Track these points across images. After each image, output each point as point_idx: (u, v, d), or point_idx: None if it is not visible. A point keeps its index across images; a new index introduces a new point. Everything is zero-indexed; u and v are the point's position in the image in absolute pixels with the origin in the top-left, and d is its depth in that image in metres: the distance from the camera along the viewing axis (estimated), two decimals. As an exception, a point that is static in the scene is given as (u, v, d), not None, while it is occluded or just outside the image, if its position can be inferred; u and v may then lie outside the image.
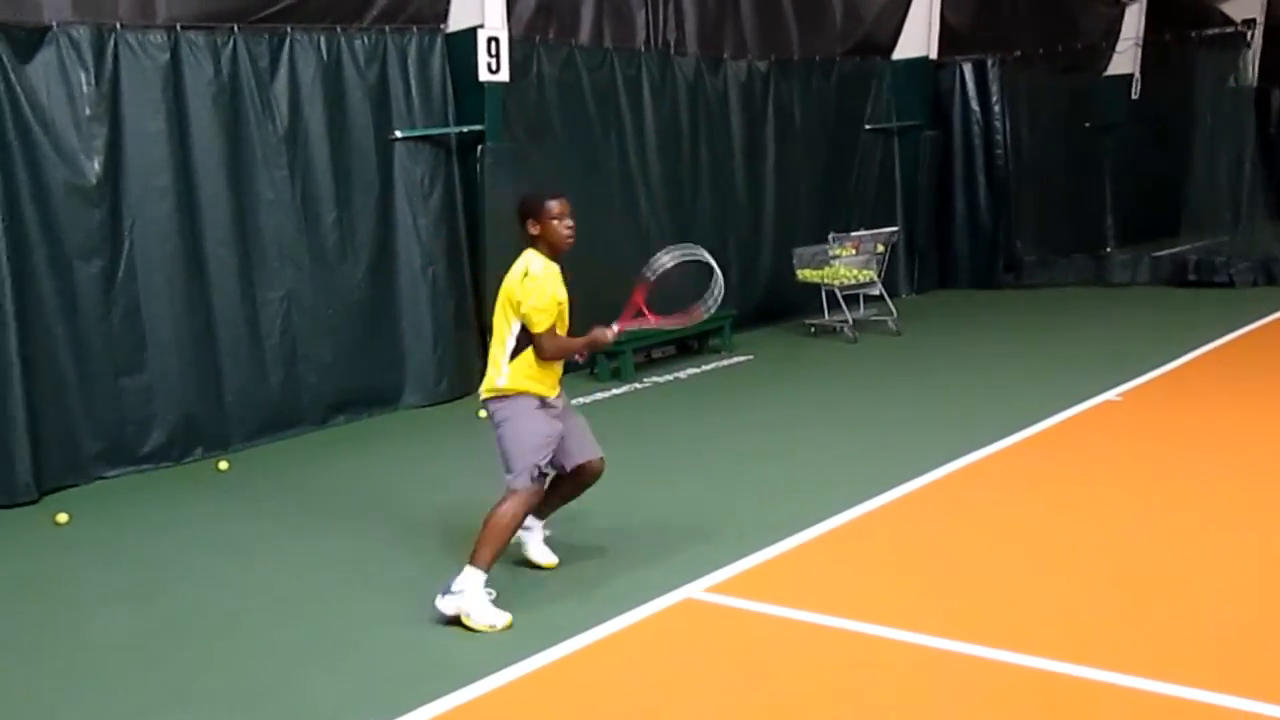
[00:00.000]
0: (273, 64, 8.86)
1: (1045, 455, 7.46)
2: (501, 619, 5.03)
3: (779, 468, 7.39)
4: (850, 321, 12.27)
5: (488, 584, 5.10)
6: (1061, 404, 8.51)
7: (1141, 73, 19.10)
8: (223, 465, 8.18)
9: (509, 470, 5.28)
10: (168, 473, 8.14)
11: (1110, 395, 8.83)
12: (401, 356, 9.79)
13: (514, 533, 5.27)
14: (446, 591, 5.06)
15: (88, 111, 7.84)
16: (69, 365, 7.77)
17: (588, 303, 10.79)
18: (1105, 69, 19.12)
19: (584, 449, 5.56)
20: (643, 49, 11.82)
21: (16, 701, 4.64)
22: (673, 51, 12.17)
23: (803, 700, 4.23)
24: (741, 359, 11.36)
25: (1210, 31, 16.74)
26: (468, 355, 10.20)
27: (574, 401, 9.62)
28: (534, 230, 5.26)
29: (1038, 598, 5.08)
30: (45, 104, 7.66)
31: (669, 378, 10.61)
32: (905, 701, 4.17)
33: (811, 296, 12.64)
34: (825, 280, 12.31)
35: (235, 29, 8.59)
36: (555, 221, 5.22)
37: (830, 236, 12.74)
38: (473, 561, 5.09)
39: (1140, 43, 18.82)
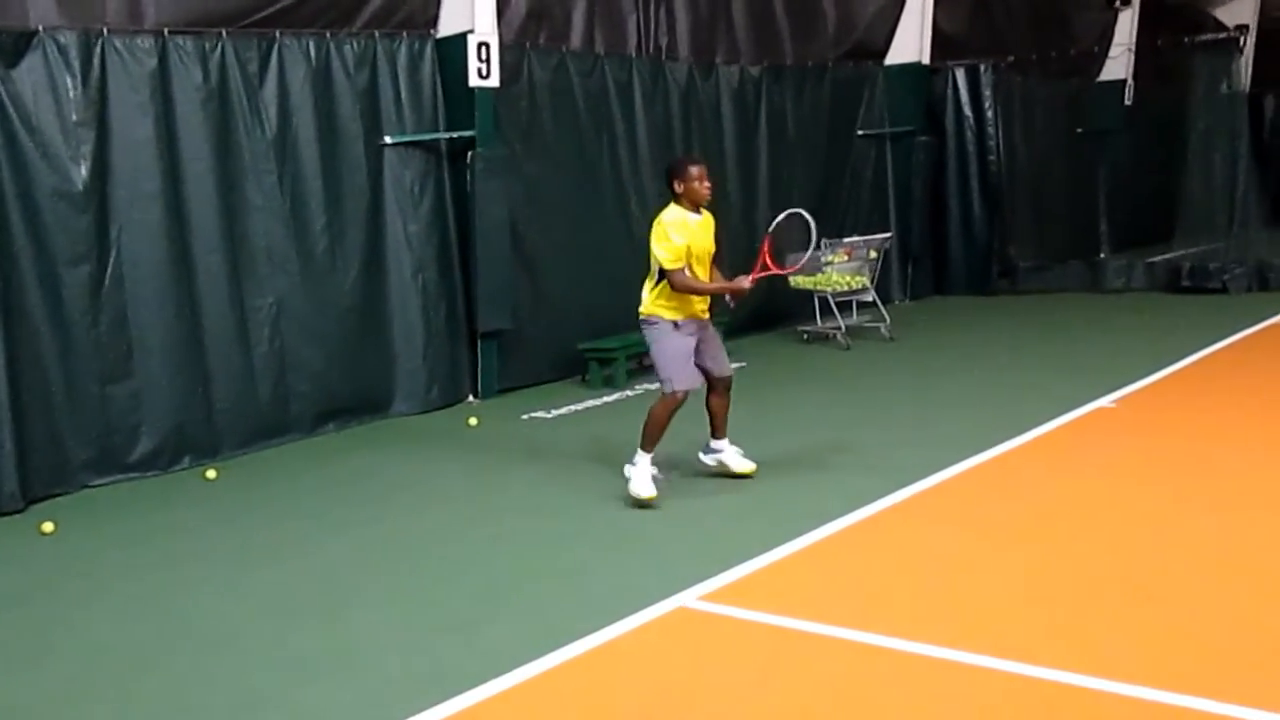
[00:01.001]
0: (262, 69, 8.79)
1: (1041, 462, 7.42)
2: (647, 491, 6.64)
3: (771, 476, 7.33)
4: (843, 328, 12.23)
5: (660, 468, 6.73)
6: (1057, 410, 8.47)
7: (1135, 78, 19.10)
8: (211, 474, 8.10)
9: (660, 379, 6.82)
10: (155, 481, 8.06)
11: (1105, 401, 8.80)
12: (391, 363, 9.73)
13: (666, 423, 6.69)
14: (632, 464, 6.70)
15: (75, 117, 7.76)
16: (56, 372, 7.68)
17: (583, 308, 10.91)
18: (1098, 74, 19.13)
19: (716, 364, 6.90)
20: (634, 54, 11.77)
21: (3, 715, 4.57)
22: (664, 56, 12.13)
23: (800, 711, 4.18)
24: (734, 366, 11.26)
25: (1203, 37, 16.76)
26: (459, 362, 10.15)
27: (564, 410, 9.74)
28: (678, 189, 6.64)
29: (1036, 605, 5.04)
30: (32, 109, 7.57)
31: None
32: (903, 710, 4.12)
33: (804, 303, 12.59)
34: (818, 286, 12.27)
35: (224, 34, 8.53)
36: (696, 183, 6.59)
37: (823, 242, 12.67)
38: (641, 445, 6.70)
39: (1133, 48, 18.83)
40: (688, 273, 6.57)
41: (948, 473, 7.11)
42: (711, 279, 6.83)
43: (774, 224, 7.19)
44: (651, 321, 6.72)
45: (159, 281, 8.18)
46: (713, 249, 6.82)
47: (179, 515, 7.29)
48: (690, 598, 5.29)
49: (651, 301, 6.70)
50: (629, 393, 10.33)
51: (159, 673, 4.90)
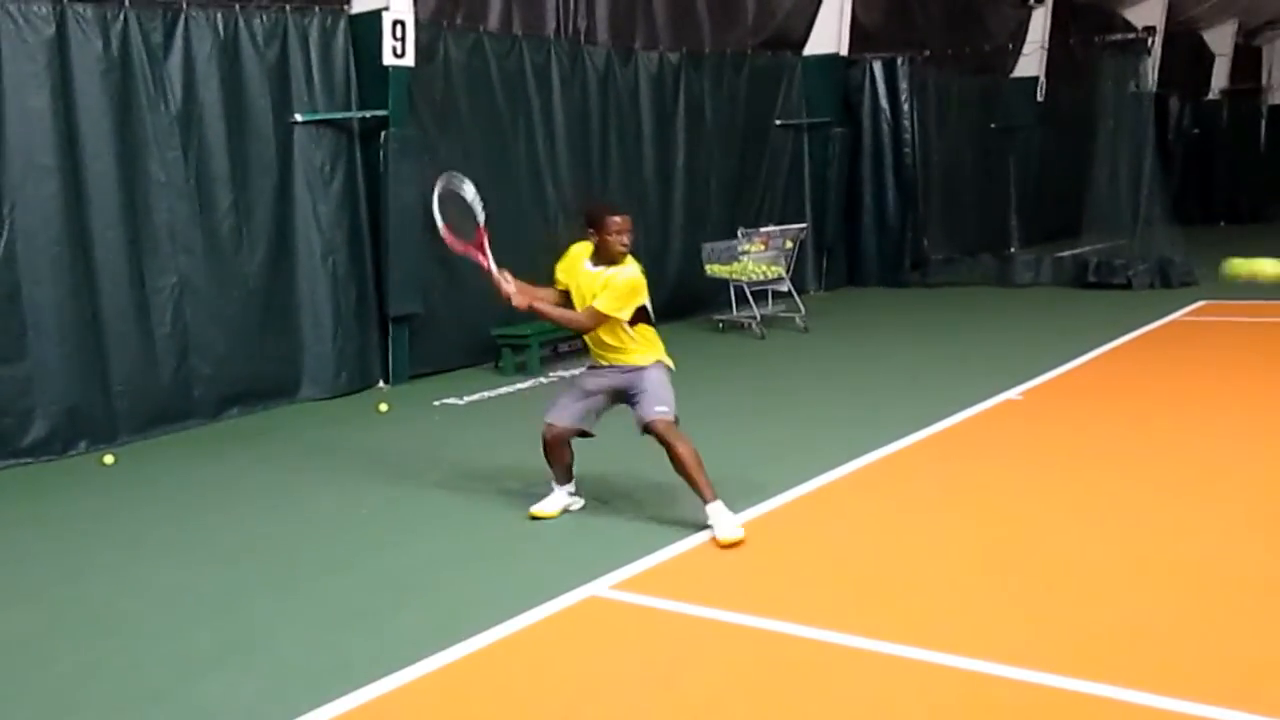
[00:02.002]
0: (166, 40, 8.52)
1: (948, 453, 7.48)
2: (737, 529, 5.77)
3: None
4: (759, 318, 12.25)
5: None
6: (964, 402, 8.55)
7: (1047, 76, 19.43)
8: (108, 459, 7.84)
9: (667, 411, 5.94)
10: (49, 466, 7.79)
11: (1012, 394, 8.90)
12: (299, 348, 9.52)
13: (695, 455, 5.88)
14: (710, 529, 5.81)
15: (-36, 86, 7.47)
16: (-58, 353, 7.39)
17: (494, 291, 10.73)
18: (1012, 71, 19.43)
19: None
20: (552, 37, 11.65)
21: None
22: (583, 40, 12.02)
23: (713, 699, 4.14)
24: (649, 353, 11.24)
25: (1113, 37, 17.06)
26: (369, 347, 9.97)
27: (476, 396, 9.62)
28: (592, 238, 5.99)
29: (945, 592, 5.06)
30: (-81, 77, 7.27)
31: (576, 371, 10.41)
32: (815, 699, 4.10)
33: (720, 292, 12.60)
34: (734, 276, 12.27)
35: (126, 4, 8.25)
36: (612, 236, 5.91)
37: (739, 232, 12.69)
38: (705, 500, 5.84)
39: (1046, 46, 19.14)
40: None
41: (856, 463, 7.13)
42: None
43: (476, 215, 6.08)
44: (648, 362, 6.05)
45: (54, 258, 7.89)
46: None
47: (73, 502, 7.06)
48: (602, 587, 5.24)
49: (642, 345, 6.07)
50: (542, 380, 10.23)
51: (47, 665, 4.72)
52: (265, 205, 9.17)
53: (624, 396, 6.09)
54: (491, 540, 6.03)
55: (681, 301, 13.05)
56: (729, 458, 7.43)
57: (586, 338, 6.19)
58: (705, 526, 5.87)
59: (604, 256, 5.99)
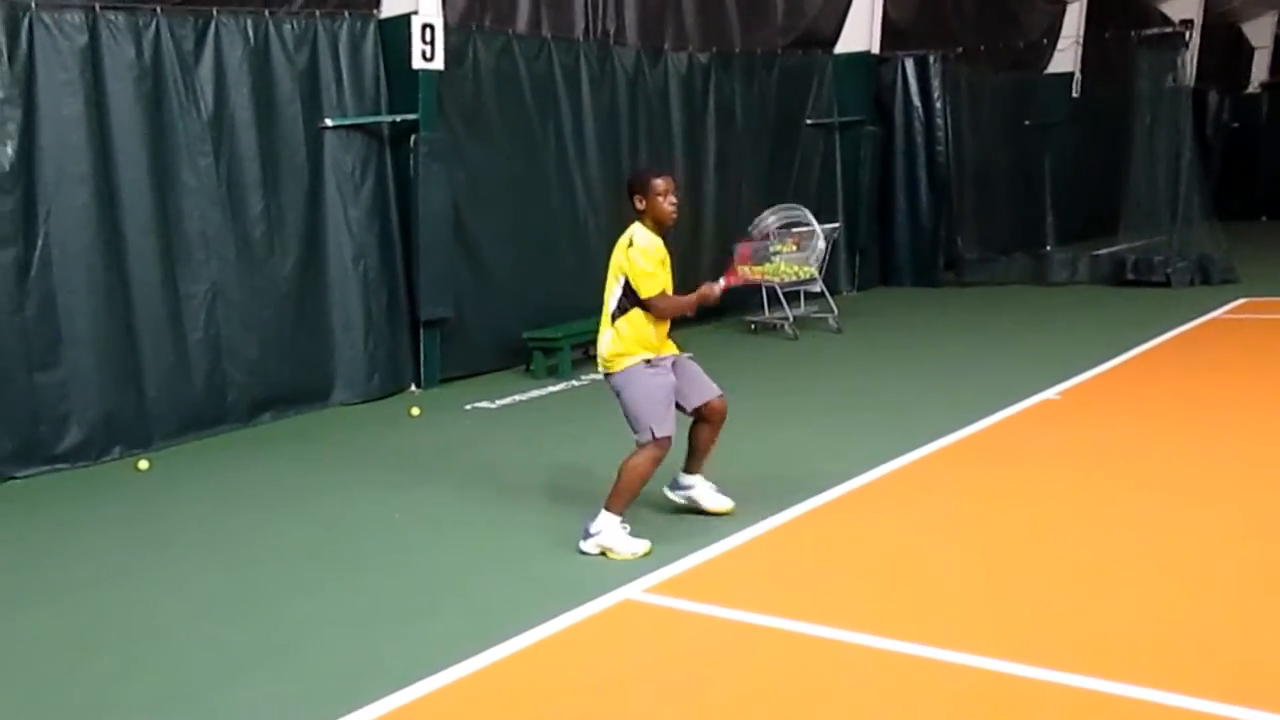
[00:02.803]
0: (197, 47, 8.55)
1: (986, 454, 7.39)
2: (641, 546, 5.58)
3: (716, 468, 7.23)
4: (791, 319, 12.17)
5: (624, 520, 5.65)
6: (1001, 403, 8.45)
7: (1082, 71, 19.23)
8: (143, 465, 7.87)
9: (635, 430, 5.68)
10: (84, 473, 7.83)
11: (1050, 394, 8.79)
12: (331, 352, 9.53)
13: (644, 482, 5.66)
14: (585, 535, 5.61)
15: (0, 94, 7.50)
16: (-21, 360, 7.44)
17: (528, 297, 10.76)
18: (1046, 67, 19.24)
19: (701, 391, 5.89)
20: (581, 38, 11.61)
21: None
22: (612, 41, 11.98)
23: (745, 702, 4.10)
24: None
25: (1149, 31, 16.83)
26: (400, 351, 9.97)
27: (508, 400, 9.60)
28: (640, 205, 5.71)
29: (979, 596, 4.99)
30: (-46, 87, 7.33)
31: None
32: (848, 701, 4.05)
33: (752, 293, 12.51)
34: (766, 276, 12.18)
35: (158, 10, 8.28)
36: (660, 198, 5.66)
37: (771, 232, 12.61)
38: (608, 506, 5.61)
39: (1081, 41, 18.94)
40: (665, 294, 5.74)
41: (893, 464, 7.05)
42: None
43: (762, 228, 6.49)
44: (618, 372, 5.70)
45: (89, 266, 7.93)
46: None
47: (108, 507, 7.09)
48: (636, 590, 5.20)
49: (615, 342, 5.70)
50: (574, 383, 10.20)
51: (83, 667, 4.74)
52: (296, 210, 9.19)
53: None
54: (525, 544, 5.99)
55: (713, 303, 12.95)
56: (760, 459, 7.39)
57: (674, 314, 5.89)
58: (737, 530, 5.85)
59: (655, 223, 5.73)
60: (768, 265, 12.13)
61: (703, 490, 6.18)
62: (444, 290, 9.97)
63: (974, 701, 4.04)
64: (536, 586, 5.37)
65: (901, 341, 12.02)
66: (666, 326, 5.83)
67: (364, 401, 9.61)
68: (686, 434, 6.04)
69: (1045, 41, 19.02)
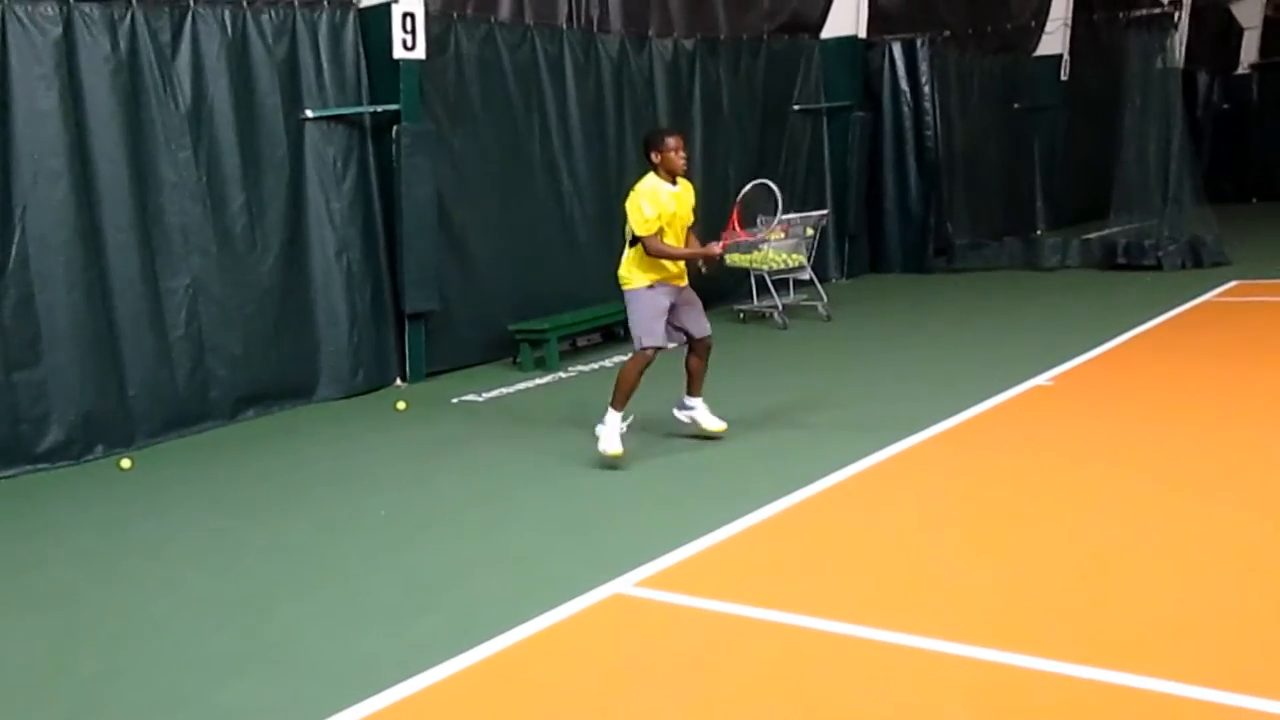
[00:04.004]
0: (174, 39, 8.44)
1: (977, 442, 7.32)
2: (614, 447, 6.88)
3: (704, 459, 7.17)
4: (780, 307, 12.08)
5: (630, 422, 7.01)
6: (993, 389, 8.38)
7: (1071, 54, 19.14)
8: (125, 463, 7.78)
9: (633, 336, 7.07)
10: (66, 472, 7.74)
11: (1042, 379, 8.72)
12: (315, 347, 9.43)
13: (636, 381, 6.96)
14: (600, 425, 6.97)
15: (-28, 89, 7.40)
16: (-45, 359, 7.33)
17: (514, 288, 10.66)
18: (1035, 50, 19.15)
19: (696, 325, 7.20)
20: (565, 26, 11.49)
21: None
22: (596, 29, 11.86)
23: (738, 696, 4.04)
24: (670, 346, 11.11)
25: (1138, 13, 16.73)
26: (385, 345, 9.87)
27: (495, 393, 9.50)
28: (655, 159, 6.87)
29: (973, 585, 4.92)
30: (-75, 81, 7.20)
31: (594, 366, 10.34)
32: (840, 695, 3.99)
33: (740, 281, 12.43)
34: (754, 265, 12.10)
35: (133, 2, 8.16)
36: (672, 153, 6.85)
37: (759, 220, 12.51)
38: (611, 404, 6.96)
39: (1069, 23, 18.85)
40: (659, 239, 6.83)
41: (885, 453, 6.99)
42: (688, 244, 7.09)
43: (742, 193, 7.93)
44: (628, 290, 7.01)
45: (67, 262, 7.82)
46: (690, 219, 7.07)
47: (91, 507, 7.00)
48: (626, 584, 5.14)
49: (626, 266, 6.99)
50: (561, 375, 10.11)
51: (71, 670, 4.67)
52: (277, 203, 9.08)
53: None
54: (514, 539, 5.93)
55: (701, 292, 12.72)
56: (754, 450, 7.32)
57: (667, 260, 6.99)
58: (727, 522, 5.79)
59: (668, 173, 6.88)
60: (755, 253, 12.07)
61: (702, 412, 7.40)
62: (429, 283, 9.86)
63: (971, 692, 3.97)
64: (526, 581, 5.30)
65: (891, 329, 11.94)
66: (677, 266, 7.03)
67: (349, 396, 9.52)
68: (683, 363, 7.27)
69: (1033, 24, 18.92)
